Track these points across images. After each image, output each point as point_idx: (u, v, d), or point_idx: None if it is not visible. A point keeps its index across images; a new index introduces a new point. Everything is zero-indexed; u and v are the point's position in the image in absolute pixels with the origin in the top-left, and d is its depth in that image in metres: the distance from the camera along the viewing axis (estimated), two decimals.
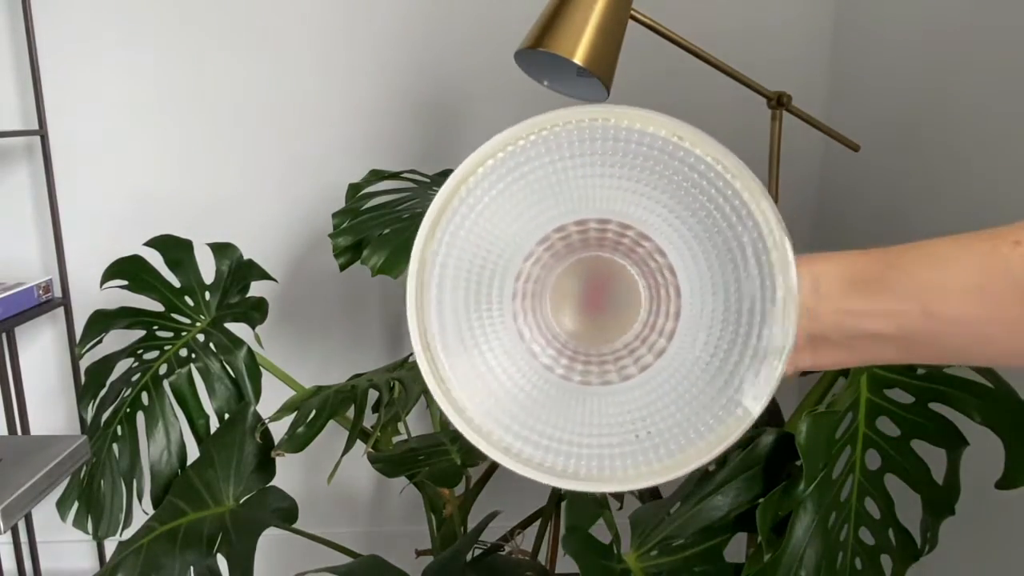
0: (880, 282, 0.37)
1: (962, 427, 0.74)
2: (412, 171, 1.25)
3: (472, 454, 0.97)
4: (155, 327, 1.09)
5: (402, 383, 0.99)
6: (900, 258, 0.37)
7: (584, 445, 0.35)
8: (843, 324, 0.37)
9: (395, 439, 1.13)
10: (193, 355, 1.05)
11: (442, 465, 0.93)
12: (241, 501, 0.96)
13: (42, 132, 1.46)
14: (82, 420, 1.06)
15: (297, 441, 0.91)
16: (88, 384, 1.07)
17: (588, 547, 0.72)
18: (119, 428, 1.02)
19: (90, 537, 1.02)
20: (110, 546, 1.62)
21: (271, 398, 1.09)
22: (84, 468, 1.03)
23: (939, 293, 0.36)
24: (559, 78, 1.00)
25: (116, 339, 1.11)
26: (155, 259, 1.13)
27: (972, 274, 0.35)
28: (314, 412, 0.93)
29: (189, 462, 1.01)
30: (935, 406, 0.75)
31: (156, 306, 1.11)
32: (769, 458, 0.75)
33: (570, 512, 0.74)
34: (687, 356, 0.36)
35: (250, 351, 1.04)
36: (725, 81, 1.02)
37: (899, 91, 1.27)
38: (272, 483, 0.98)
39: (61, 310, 1.54)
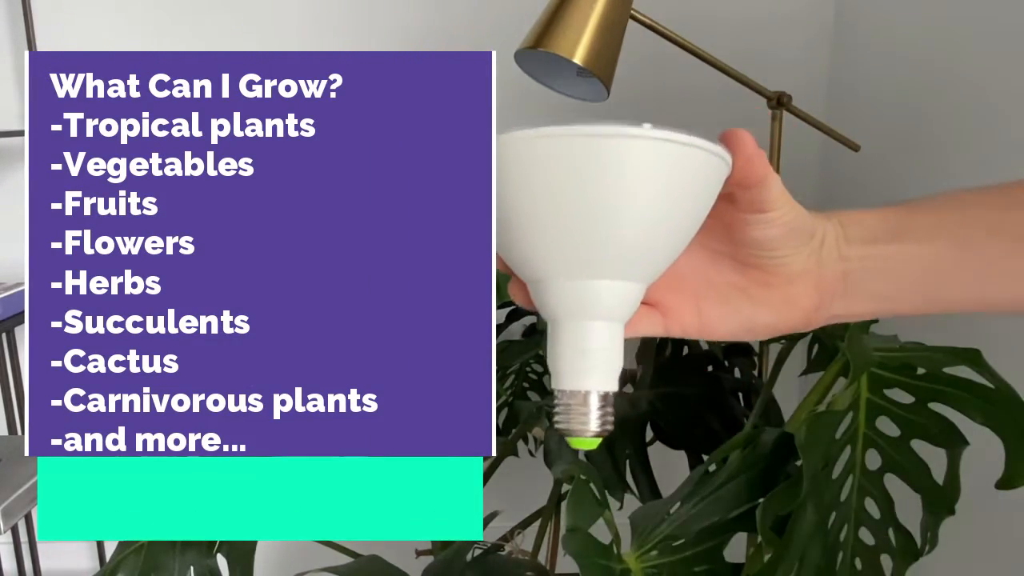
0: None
1: (962, 427, 0.74)
2: None
3: None
4: None
5: None
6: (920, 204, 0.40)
7: None
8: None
9: None
10: None
11: None
12: None
13: None
14: None
15: None
16: None
17: (588, 547, 0.72)
18: None
19: None
20: (110, 546, 1.62)
21: None
22: None
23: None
24: (559, 78, 1.00)
25: None
26: None
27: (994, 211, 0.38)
28: None
29: None
30: (935, 406, 0.75)
31: None
32: (769, 458, 0.75)
33: (570, 512, 0.74)
34: None
35: None
36: (725, 81, 1.02)
37: (899, 91, 1.27)
38: None
39: None
